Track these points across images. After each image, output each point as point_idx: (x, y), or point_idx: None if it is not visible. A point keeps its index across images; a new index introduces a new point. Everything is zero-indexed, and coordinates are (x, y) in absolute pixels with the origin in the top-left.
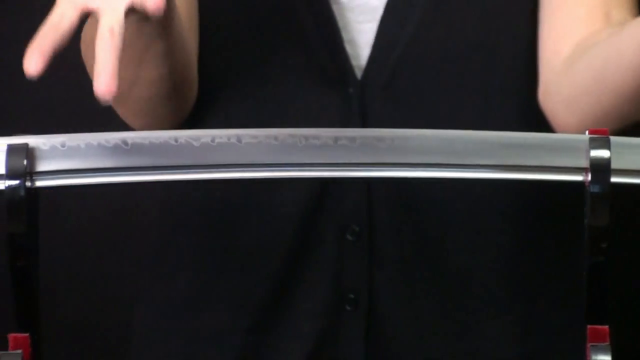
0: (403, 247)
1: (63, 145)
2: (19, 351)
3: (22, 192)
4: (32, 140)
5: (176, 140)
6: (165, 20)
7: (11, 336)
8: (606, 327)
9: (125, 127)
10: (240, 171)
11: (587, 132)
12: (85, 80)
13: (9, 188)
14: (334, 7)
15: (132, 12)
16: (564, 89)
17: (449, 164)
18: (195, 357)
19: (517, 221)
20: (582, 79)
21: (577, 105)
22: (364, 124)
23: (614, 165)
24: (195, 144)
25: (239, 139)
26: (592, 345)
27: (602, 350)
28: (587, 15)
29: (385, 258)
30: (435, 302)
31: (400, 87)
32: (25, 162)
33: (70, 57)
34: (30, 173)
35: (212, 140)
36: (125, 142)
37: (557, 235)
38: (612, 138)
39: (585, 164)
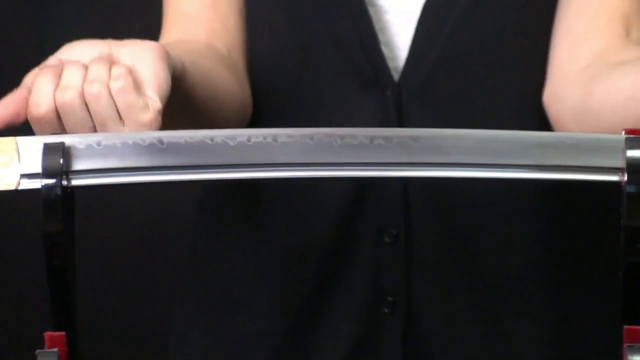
0: (440, 250)
1: (99, 144)
2: (55, 349)
3: (59, 191)
4: (68, 139)
5: (212, 140)
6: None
7: (47, 334)
8: None
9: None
10: (276, 170)
11: (623, 132)
12: None
13: (45, 187)
14: (370, 9)
15: None
16: (577, 101)
17: (485, 163)
18: (232, 357)
19: (552, 223)
20: (599, 105)
21: (587, 122)
22: (400, 126)
23: None
24: (231, 143)
25: (274, 139)
26: (629, 346)
27: (639, 351)
28: (606, 27)
29: (423, 260)
30: (471, 304)
31: (438, 89)
32: (61, 160)
33: None
34: (66, 172)
35: (248, 140)
36: (161, 141)
37: (591, 236)
38: None
39: (621, 164)
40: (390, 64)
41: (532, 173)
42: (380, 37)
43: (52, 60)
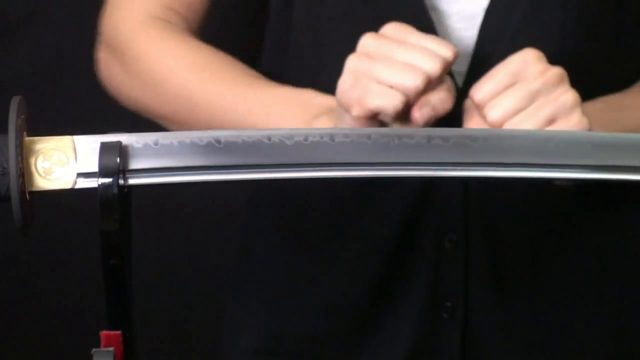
0: (499, 256)
1: (156, 144)
2: (111, 348)
3: (115, 190)
4: (125, 138)
5: (269, 139)
6: None
7: (103, 333)
8: None
9: None
10: (333, 170)
11: None
12: None
13: (102, 186)
14: (433, 15)
15: None
16: None
17: (543, 163)
18: (289, 357)
19: (608, 222)
20: None
21: None
22: None
23: None
24: (288, 142)
25: (332, 138)
26: None
27: None
28: None
29: (482, 266)
30: (529, 310)
31: None
32: (118, 160)
33: None
34: (123, 171)
35: (305, 139)
36: (218, 141)
37: None
38: None
39: None
40: (454, 69)
41: (590, 173)
42: None
43: None
